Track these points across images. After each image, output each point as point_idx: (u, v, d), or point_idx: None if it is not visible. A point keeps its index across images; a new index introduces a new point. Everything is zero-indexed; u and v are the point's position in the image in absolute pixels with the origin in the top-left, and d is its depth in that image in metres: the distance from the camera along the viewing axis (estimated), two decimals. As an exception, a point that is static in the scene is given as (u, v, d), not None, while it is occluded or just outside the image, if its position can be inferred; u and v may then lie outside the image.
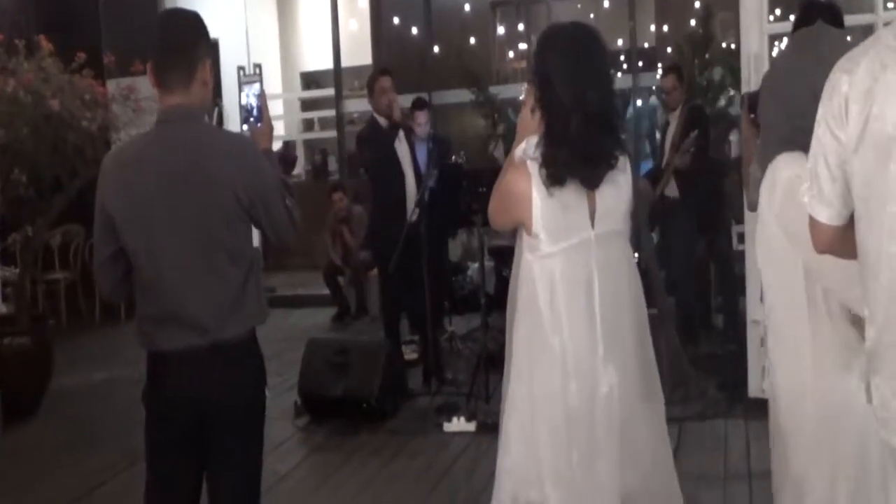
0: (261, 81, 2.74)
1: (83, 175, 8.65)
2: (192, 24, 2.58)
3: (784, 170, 2.42)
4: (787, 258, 2.39)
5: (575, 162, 2.38)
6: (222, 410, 2.55)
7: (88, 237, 9.06)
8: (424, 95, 7.32)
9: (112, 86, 8.97)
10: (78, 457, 5.22)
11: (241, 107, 2.73)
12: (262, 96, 2.72)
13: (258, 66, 2.83)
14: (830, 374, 2.38)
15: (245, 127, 2.75)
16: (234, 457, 2.61)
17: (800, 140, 2.38)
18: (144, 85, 9.71)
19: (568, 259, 2.42)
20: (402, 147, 6.12)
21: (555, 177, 2.38)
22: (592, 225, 2.44)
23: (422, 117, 6.58)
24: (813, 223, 2.07)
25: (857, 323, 2.32)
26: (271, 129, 2.77)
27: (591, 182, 2.42)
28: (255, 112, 2.70)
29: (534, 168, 2.40)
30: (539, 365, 2.45)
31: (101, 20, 9.35)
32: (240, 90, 2.75)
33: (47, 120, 6.70)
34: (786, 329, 2.43)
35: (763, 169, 2.54)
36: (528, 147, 2.45)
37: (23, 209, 6.89)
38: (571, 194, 2.41)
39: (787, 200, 2.38)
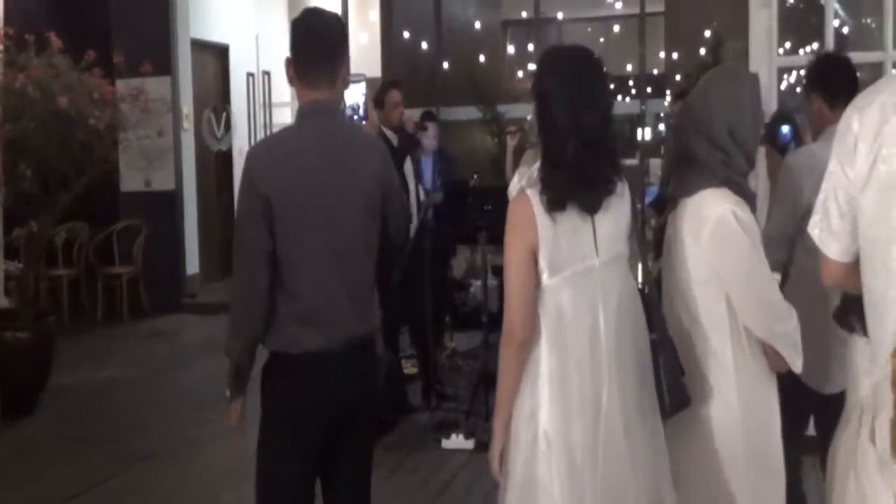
0: (366, 80, 2.86)
1: (89, 173, 8.71)
2: (339, 25, 2.68)
3: (715, 206, 2.44)
4: (712, 293, 2.48)
5: (573, 185, 2.36)
6: (360, 407, 2.63)
7: (93, 235, 9.08)
8: (432, 110, 7.37)
9: (121, 85, 9.03)
10: (76, 455, 5.21)
11: (349, 105, 2.85)
12: (367, 94, 2.81)
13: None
14: (753, 399, 2.51)
15: None
16: (364, 454, 2.74)
17: (722, 174, 2.48)
18: (153, 86, 9.82)
19: (573, 287, 2.41)
20: (406, 163, 6.15)
21: (555, 201, 2.36)
22: (597, 252, 2.42)
23: (431, 129, 6.63)
24: (823, 258, 2.07)
25: (767, 353, 2.49)
26: (375, 126, 2.87)
27: (590, 207, 2.40)
28: (360, 110, 2.80)
29: (534, 196, 2.38)
30: (542, 403, 2.41)
31: (112, 20, 9.41)
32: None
33: (55, 116, 6.74)
34: (716, 364, 2.50)
35: (680, 197, 2.56)
36: (522, 178, 2.44)
37: (28, 204, 6.92)
38: (574, 220, 2.39)
39: (720, 239, 2.42)
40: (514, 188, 2.46)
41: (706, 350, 2.50)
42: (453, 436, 5.12)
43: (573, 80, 2.42)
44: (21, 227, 8.24)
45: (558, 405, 2.38)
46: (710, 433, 2.50)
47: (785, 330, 2.45)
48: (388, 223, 2.69)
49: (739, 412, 2.47)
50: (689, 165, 2.55)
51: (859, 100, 2.01)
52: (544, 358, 2.40)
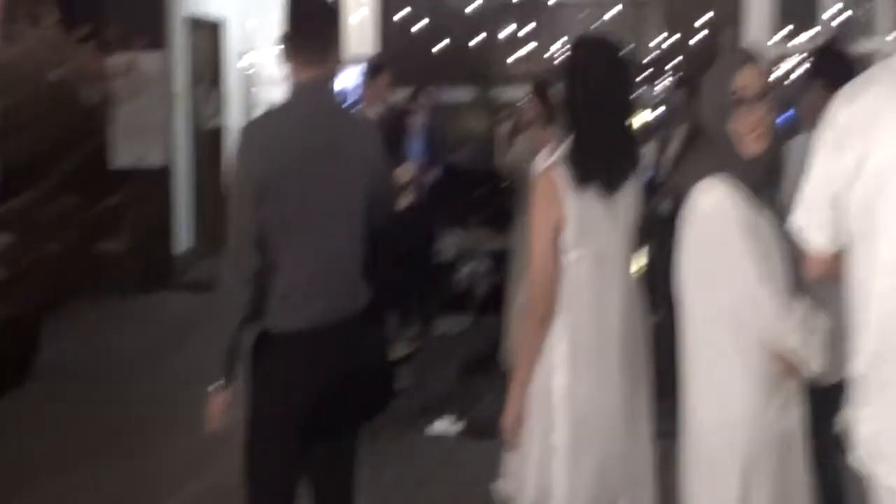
0: (374, 66, 2.92)
1: (80, 147, 8.66)
2: (331, 4, 2.74)
3: (706, 195, 2.36)
4: (707, 291, 2.38)
5: (597, 163, 2.50)
6: (347, 385, 2.65)
7: (83, 210, 9.02)
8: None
9: (113, 60, 8.95)
10: (55, 434, 5.11)
11: (344, 89, 2.90)
12: (363, 78, 2.87)
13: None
14: (758, 406, 2.37)
15: None
16: (349, 434, 2.79)
17: (720, 160, 2.37)
18: (146, 61, 9.72)
19: (591, 265, 2.53)
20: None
21: (580, 177, 2.49)
22: (612, 234, 2.57)
23: (422, 104, 6.61)
24: (806, 250, 2.09)
25: (779, 358, 2.33)
26: (371, 110, 2.89)
27: (612, 185, 2.54)
28: (355, 93, 2.86)
29: (561, 171, 2.52)
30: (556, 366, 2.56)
31: (106, -6, 9.30)
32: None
33: (47, 89, 6.69)
34: (712, 364, 2.40)
35: (687, 187, 2.47)
36: (548, 157, 2.59)
37: (19, 177, 6.89)
38: (595, 201, 2.52)
39: (708, 229, 2.35)
40: (539, 166, 2.62)
41: (703, 351, 2.41)
42: (440, 420, 5.11)
43: (603, 66, 2.58)
44: (14, 199, 8.21)
45: (573, 374, 2.53)
46: (702, 437, 2.43)
47: (786, 328, 2.30)
48: (374, 205, 2.70)
49: (739, 418, 2.36)
50: (694, 155, 2.57)
51: (847, 90, 2.01)
52: (562, 330, 2.53)
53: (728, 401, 2.37)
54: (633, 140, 2.65)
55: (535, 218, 2.55)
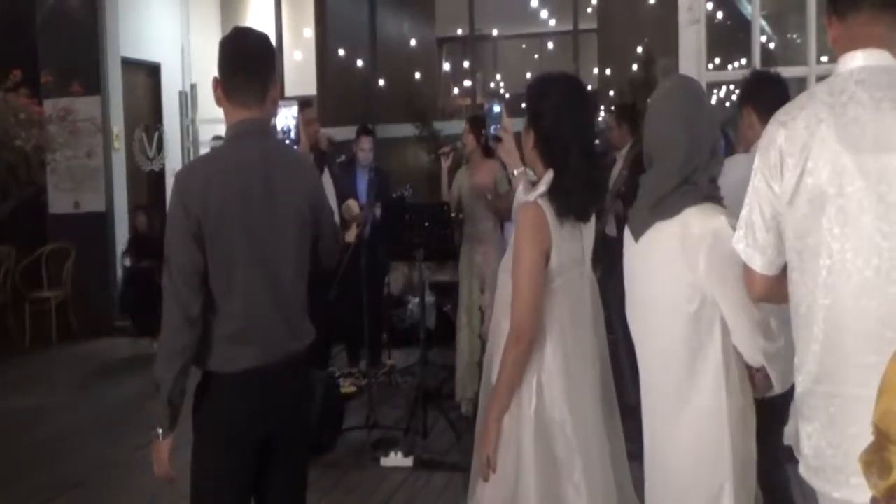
0: (298, 104, 2.88)
1: (16, 195, 8.49)
2: (267, 44, 2.65)
3: (708, 222, 2.32)
4: (704, 323, 2.35)
5: (576, 192, 2.59)
6: (294, 423, 2.63)
7: (20, 259, 8.84)
8: (368, 125, 7.38)
9: (49, 106, 8.83)
10: (2, 485, 5.04)
11: (280, 129, 2.85)
12: (298, 118, 2.82)
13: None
14: (745, 437, 2.36)
15: None
16: (298, 471, 2.71)
17: (705, 191, 2.36)
18: (82, 106, 9.60)
19: (572, 289, 2.64)
20: (325, 179, 6.16)
21: (562, 208, 2.58)
22: (584, 260, 2.69)
23: (366, 143, 6.66)
24: (748, 271, 2.10)
25: (753, 377, 2.35)
26: (307, 148, 2.87)
27: (583, 216, 2.65)
28: (292, 133, 2.80)
29: (544, 204, 2.58)
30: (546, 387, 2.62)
31: (39, 39, 9.19)
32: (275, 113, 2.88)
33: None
34: (685, 395, 2.37)
35: (653, 215, 2.43)
36: (528, 191, 2.70)
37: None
38: (571, 229, 2.63)
39: (718, 254, 2.29)
40: (520, 199, 2.74)
41: (691, 391, 2.36)
42: (392, 454, 5.07)
43: (570, 98, 2.66)
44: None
45: (566, 393, 2.59)
46: (669, 472, 2.42)
47: (777, 349, 2.33)
48: (318, 241, 2.68)
49: (730, 452, 2.34)
50: (665, 189, 2.42)
51: (781, 115, 2.03)
52: (549, 353, 2.60)
53: (702, 436, 2.34)
54: (601, 169, 2.79)
55: (524, 247, 2.58)
